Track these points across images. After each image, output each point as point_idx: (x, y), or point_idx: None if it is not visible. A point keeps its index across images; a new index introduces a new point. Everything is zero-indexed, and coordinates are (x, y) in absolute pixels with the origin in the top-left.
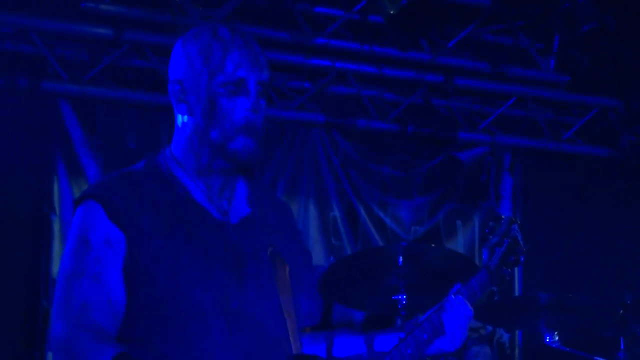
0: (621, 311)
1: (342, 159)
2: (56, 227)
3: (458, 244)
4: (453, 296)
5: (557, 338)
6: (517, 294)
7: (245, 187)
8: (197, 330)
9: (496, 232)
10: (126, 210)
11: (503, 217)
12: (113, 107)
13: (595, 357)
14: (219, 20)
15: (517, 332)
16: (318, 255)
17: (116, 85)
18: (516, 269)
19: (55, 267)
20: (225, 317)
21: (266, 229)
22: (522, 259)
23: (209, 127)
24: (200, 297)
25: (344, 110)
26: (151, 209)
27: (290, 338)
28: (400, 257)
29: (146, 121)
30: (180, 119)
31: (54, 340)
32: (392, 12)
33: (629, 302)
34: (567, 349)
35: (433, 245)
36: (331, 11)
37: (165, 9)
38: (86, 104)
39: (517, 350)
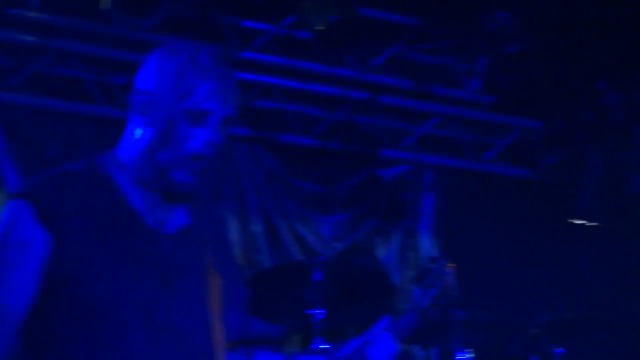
0: (534, 330)
1: (264, 173)
2: None
3: (378, 261)
4: (381, 332)
5: (468, 355)
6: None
7: None
8: (116, 338)
9: (431, 273)
10: (57, 211)
11: (440, 259)
12: (36, 116)
13: None
14: (147, 30)
15: (432, 349)
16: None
17: (40, 93)
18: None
19: None
20: (149, 328)
21: (202, 241)
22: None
23: (161, 147)
24: (122, 306)
25: (268, 124)
26: (83, 211)
27: (216, 353)
28: (318, 272)
29: (69, 130)
30: (135, 128)
31: None
32: (319, 28)
33: (543, 321)
34: None
35: (350, 259)
36: (259, 25)
37: (93, 18)
38: (8, 111)
39: None
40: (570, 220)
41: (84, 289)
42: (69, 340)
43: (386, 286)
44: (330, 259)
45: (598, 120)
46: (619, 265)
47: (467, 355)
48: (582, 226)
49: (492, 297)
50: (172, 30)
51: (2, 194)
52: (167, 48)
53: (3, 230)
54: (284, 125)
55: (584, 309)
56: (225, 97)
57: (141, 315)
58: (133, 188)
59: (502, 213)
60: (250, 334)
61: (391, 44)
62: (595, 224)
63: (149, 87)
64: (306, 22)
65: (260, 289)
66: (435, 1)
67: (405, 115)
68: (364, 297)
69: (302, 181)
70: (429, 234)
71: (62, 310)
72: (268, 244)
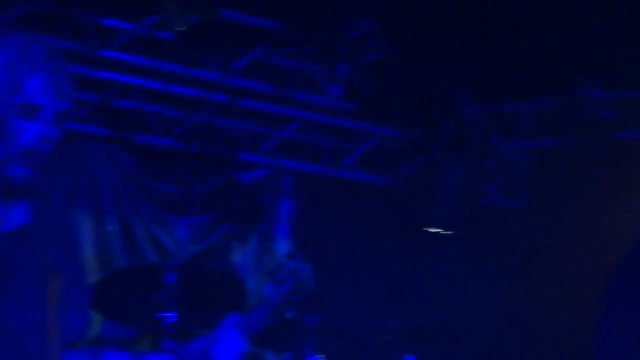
0: (385, 337)
1: (121, 173)
2: None
3: (233, 265)
4: (228, 329)
5: None
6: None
7: None
8: None
9: (284, 268)
10: None
11: (294, 254)
12: None
13: None
14: (3, 25)
15: (285, 354)
16: (91, 270)
17: None
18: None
19: None
20: None
21: (43, 240)
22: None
23: None
24: None
25: (126, 124)
26: None
27: (51, 353)
28: (171, 275)
29: None
30: None
31: None
32: (181, 29)
33: (394, 328)
34: None
35: (203, 263)
36: (120, 24)
37: None
38: None
39: None
40: (425, 228)
41: None
42: None
43: (239, 290)
44: (183, 262)
45: (456, 130)
46: (471, 274)
47: None
48: (437, 234)
49: (346, 303)
50: (29, 25)
51: None
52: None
53: None
54: (142, 126)
55: (435, 315)
56: (57, 90)
57: None
58: None
59: (360, 219)
60: (98, 334)
61: (253, 47)
62: (450, 232)
63: None
64: (168, 23)
65: (113, 290)
66: (297, 7)
67: (265, 120)
68: (216, 301)
69: (159, 182)
70: (286, 239)
71: None
72: (123, 245)
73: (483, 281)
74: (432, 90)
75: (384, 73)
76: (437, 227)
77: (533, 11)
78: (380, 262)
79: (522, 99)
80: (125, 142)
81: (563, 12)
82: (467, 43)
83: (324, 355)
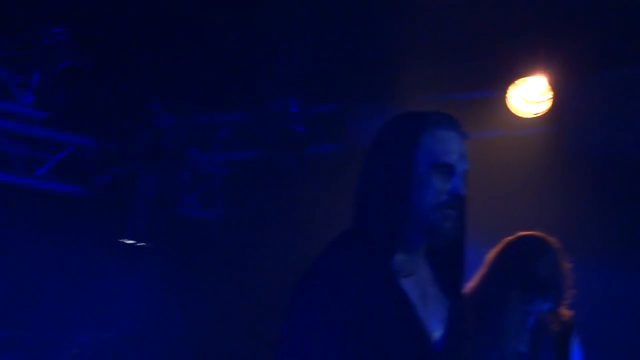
0: (75, 350)
1: None
2: None
3: None
4: None
5: None
6: None
7: None
8: None
9: None
10: None
11: None
12: None
13: None
14: None
15: None
16: None
17: None
18: None
19: None
20: None
21: None
22: None
23: None
24: None
25: None
26: None
27: None
28: None
29: None
30: None
31: None
32: None
33: (84, 341)
34: None
35: None
36: None
37: None
38: None
39: None
40: (120, 240)
41: None
42: None
43: None
44: None
45: (151, 141)
46: (166, 285)
47: None
48: (132, 246)
49: (35, 316)
50: None
51: None
52: None
53: None
54: None
55: (128, 328)
56: None
57: None
58: None
59: (53, 230)
60: None
61: None
62: (145, 244)
63: None
64: None
65: None
66: None
67: None
68: None
69: None
70: None
71: None
72: None
73: (179, 292)
74: (127, 100)
75: (78, 82)
76: (132, 239)
77: (229, 25)
78: (74, 274)
79: (219, 111)
80: None
81: (259, 26)
82: (162, 54)
83: None
